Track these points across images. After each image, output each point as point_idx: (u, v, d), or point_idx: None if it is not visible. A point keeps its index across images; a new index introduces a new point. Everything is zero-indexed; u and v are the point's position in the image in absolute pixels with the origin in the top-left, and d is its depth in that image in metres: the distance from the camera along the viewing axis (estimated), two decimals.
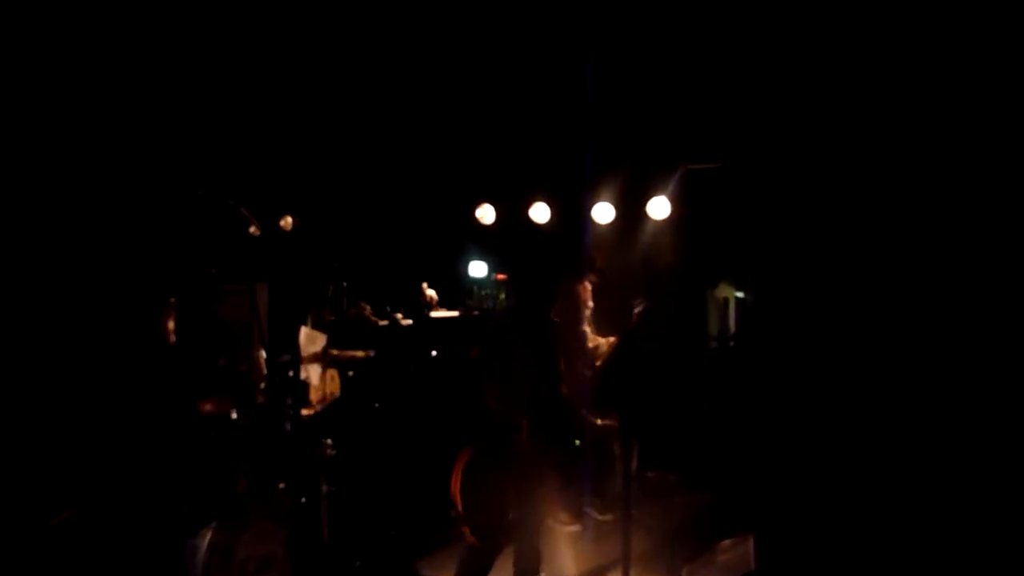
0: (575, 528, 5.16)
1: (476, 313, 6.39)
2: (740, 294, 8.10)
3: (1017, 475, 3.63)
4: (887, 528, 3.99)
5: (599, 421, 4.89)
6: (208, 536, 3.66)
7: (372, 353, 4.58)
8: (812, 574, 4.15)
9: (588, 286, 5.17)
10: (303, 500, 4.14)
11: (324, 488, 4.30)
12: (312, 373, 4.76)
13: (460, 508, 3.58)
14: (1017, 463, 3.64)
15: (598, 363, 4.99)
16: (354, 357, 4.55)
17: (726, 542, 4.94)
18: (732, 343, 7.58)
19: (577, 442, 5.20)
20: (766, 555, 4.47)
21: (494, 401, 3.80)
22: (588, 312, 5.09)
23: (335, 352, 4.43)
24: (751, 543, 4.62)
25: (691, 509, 5.83)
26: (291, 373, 4.30)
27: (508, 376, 3.86)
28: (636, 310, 4.93)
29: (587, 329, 5.08)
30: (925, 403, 3.96)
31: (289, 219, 6.39)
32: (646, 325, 4.89)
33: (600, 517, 5.25)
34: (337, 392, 4.80)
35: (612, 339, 5.01)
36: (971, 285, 3.84)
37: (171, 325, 3.98)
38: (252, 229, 4.75)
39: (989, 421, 3.77)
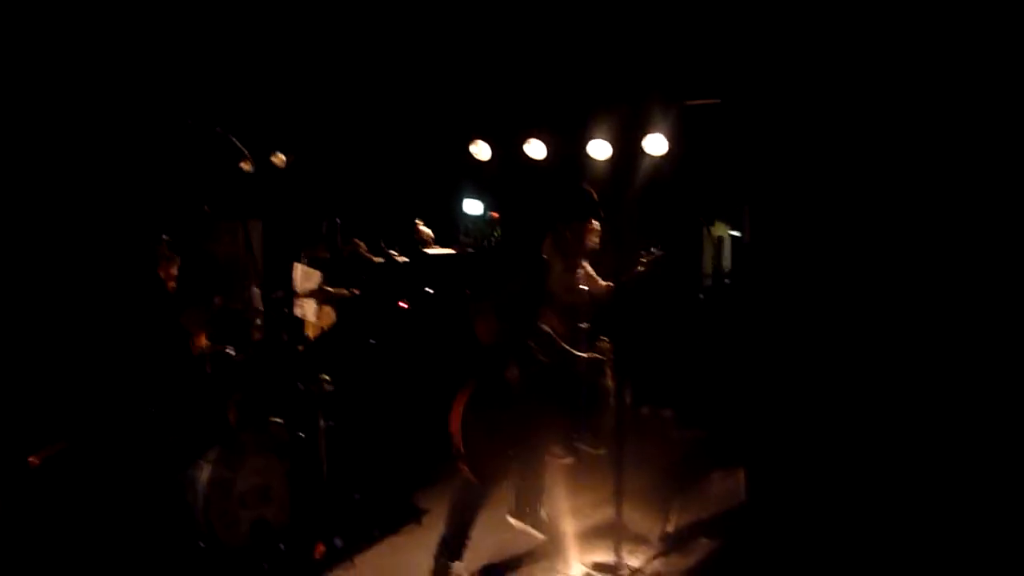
0: (569, 460, 5.25)
1: (471, 250, 6.37)
2: (735, 232, 8.09)
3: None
4: (875, 462, 4.05)
5: (588, 355, 4.90)
6: (207, 470, 3.71)
7: (358, 291, 4.56)
8: (800, 506, 4.23)
9: (595, 225, 5.09)
10: (301, 435, 4.19)
11: (322, 423, 4.34)
12: (308, 310, 4.76)
13: (461, 446, 3.62)
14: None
15: (594, 298, 4.98)
16: (350, 294, 4.54)
17: (717, 475, 5.06)
18: (727, 281, 7.61)
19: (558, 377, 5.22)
20: (756, 487, 4.56)
21: (487, 336, 3.80)
22: (584, 250, 5.04)
23: (330, 289, 4.42)
24: (741, 476, 4.72)
25: (684, 444, 5.94)
26: (286, 310, 4.30)
27: (498, 313, 3.86)
28: (649, 258, 4.88)
29: (584, 271, 5.04)
30: (917, 344, 3.97)
31: (282, 155, 6.30)
32: (657, 270, 4.86)
33: (593, 451, 5.34)
34: (328, 322, 4.79)
35: (607, 285, 4.99)
36: (965, 217, 3.81)
37: (173, 271, 3.96)
38: (244, 165, 4.69)
39: (979, 364, 3.79)
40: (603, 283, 4.98)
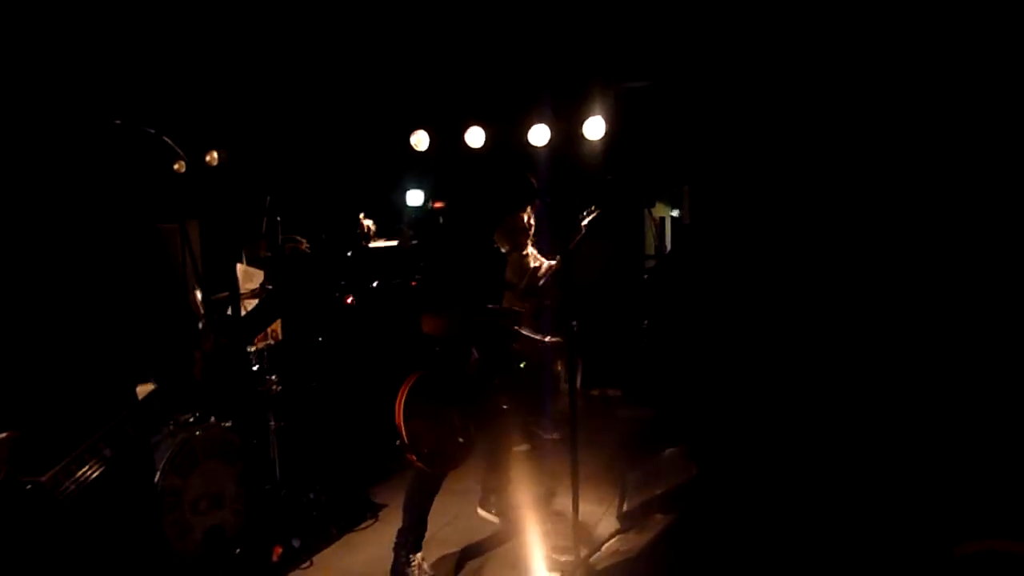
0: (524, 448, 5.29)
1: (415, 242, 6.32)
2: (675, 213, 8.23)
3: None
4: (818, 429, 4.18)
5: (547, 339, 4.95)
6: (156, 478, 3.62)
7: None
8: (747, 480, 4.35)
9: (529, 209, 5.16)
10: (253, 439, 4.13)
11: (272, 423, 4.28)
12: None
13: (404, 437, 3.62)
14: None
15: (543, 283, 5.02)
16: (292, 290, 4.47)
17: (667, 452, 5.15)
18: (668, 261, 7.73)
19: (522, 364, 5.27)
20: (704, 462, 4.67)
21: (436, 329, 3.79)
22: (529, 233, 5.09)
23: (272, 288, 4.34)
24: (690, 451, 4.82)
25: (633, 423, 6.03)
26: (229, 311, 4.21)
27: (449, 304, 3.85)
28: (584, 220, 4.96)
29: (528, 252, 5.09)
30: (854, 317, 4.11)
31: (215, 153, 6.14)
32: (596, 231, 4.91)
33: (548, 436, 5.38)
34: (278, 330, 4.73)
35: (553, 263, 5.04)
36: (909, 203, 3.95)
37: None
38: (177, 166, 4.55)
39: (915, 343, 3.94)
40: (548, 262, 5.03)
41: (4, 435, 2.36)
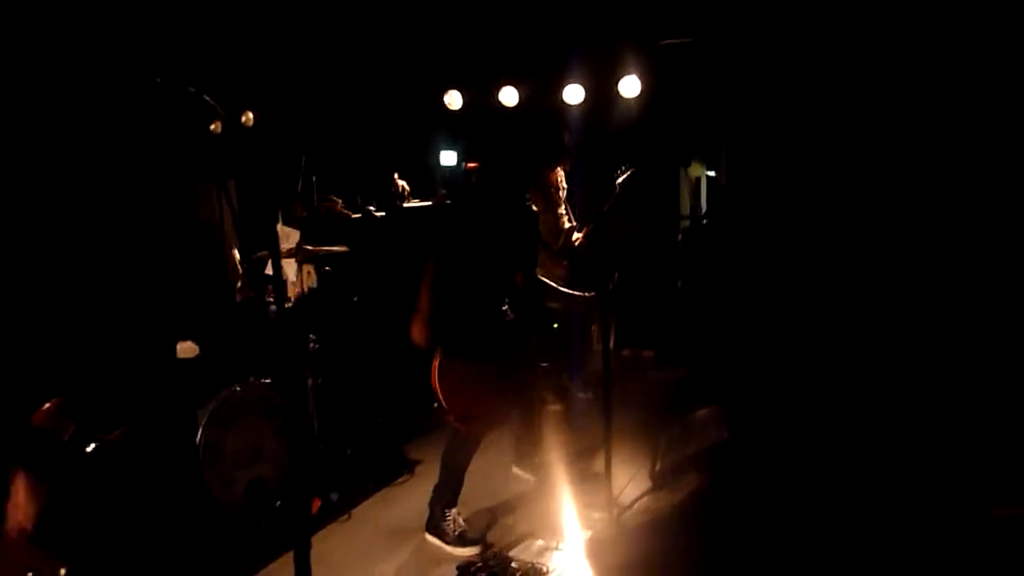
0: (557, 407, 5.34)
1: (449, 202, 6.34)
2: (712, 173, 8.11)
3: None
4: (850, 397, 4.16)
5: (586, 294, 4.99)
6: (199, 433, 3.72)
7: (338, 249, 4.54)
8: (778, 441, 4.35)
9: (560, 170, 5.15)
10: (290, 393, 4.20)
11: (310, 381, 4.36)
12: (288, 269, 4.74)
13: (442, 399, 3.67)
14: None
15: (579, 243, 5.03)
16: (329, 252, 4.52)
17: (700, 412, 5.16)
18: (704, 221, 7.65)
19: (556, 325, 5.29)
20: (736, 424, 4.68)
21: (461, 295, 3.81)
22: (563, 193, 5.08)
23: (309, 247, 4.40)
24: (723, 413, 4.83)
25: (666, 384, 6.04)
26: (268, 270, 4.28)
27: (482, 266, 3.86)
28: (620, 178, 4.95)
29: (562, 212, 5.09)
30: (890, 283, 4.05)
31: (250, 114, 6.16)
32: (631, 191, 4.90)
33: (581, 395, 5.43)
34: (315, 287, 4.79)
35: (586, 230, 5.04)
36: (943, 158, 3.86)
37: None
38: (213, 127, 4.58)
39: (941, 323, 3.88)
40: (581, 235, 5.03)
41: (55, 401, 2.45)
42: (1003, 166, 3.68)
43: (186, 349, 3.79)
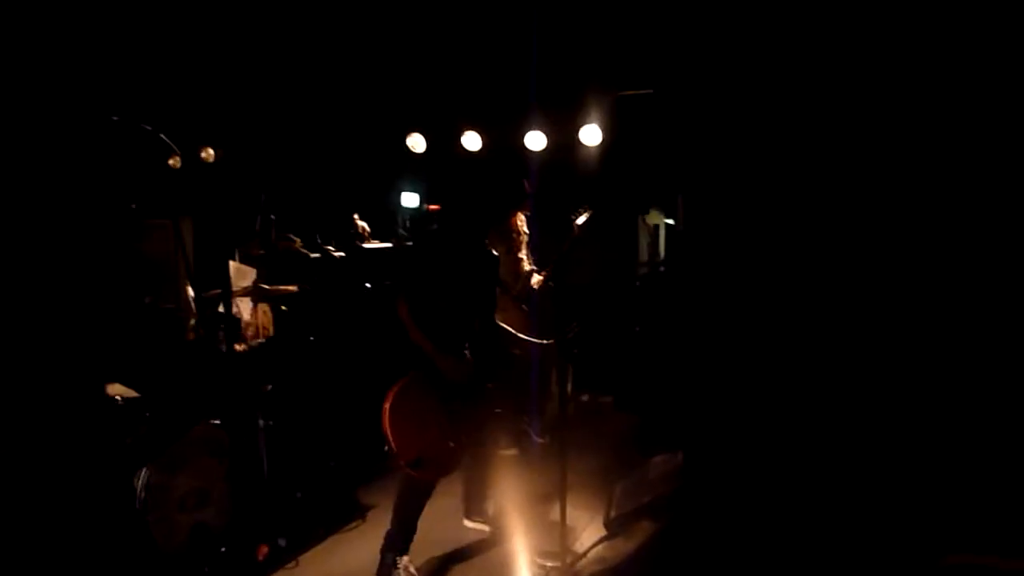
0: (513, 452, 5.30)
1: (409, 244, 6.33)
2: (670, 220, 8.25)
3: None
4: (809, 443, 4.19)
5: (544, 341, 4.98)
6: (143, 474, 3.61)
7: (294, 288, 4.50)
8: (735, 487, 4.35)
9: (522, 215, 5.20)
10: (240, 435, 4.11)
11: (261, 422, 4.27)
12: (243, 308, 4.68)
13: (393, 444, 3.61)
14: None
15: (537, 286, 5.06)
16: (285, 291, 4.47)
17: (656, 459, 5.16)
18: (662, 268, 7.76)
19: (513, 369, 5.28)
20: (693, 470, 4.67)
21: (423, 331, 3.78)
22: (524, 239, 5.13)
23: (266, 287, 4.35)
24: (679, 459, 4.83)
25: (624, 429, 6.04)
26: (221, 308, 4.20)
27: (439, 308, 3.85)
28: (579, 220, 5.00)
29: (523, 256, 5.13)
30: (849, 326, 4.11)
31: (211, 150, 6.13)
32: (589, 234, 4.95)
33: (538, 440, 5.40)
34: (269, 326, 4.73)
35: (545, 273, 5.07)
36: (901, 201, 3.95)
37: None
38: (172, 161, 4.55)
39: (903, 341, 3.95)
40: (536, 271, 5.07)
41: None
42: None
43: (114, 392, 3.68)
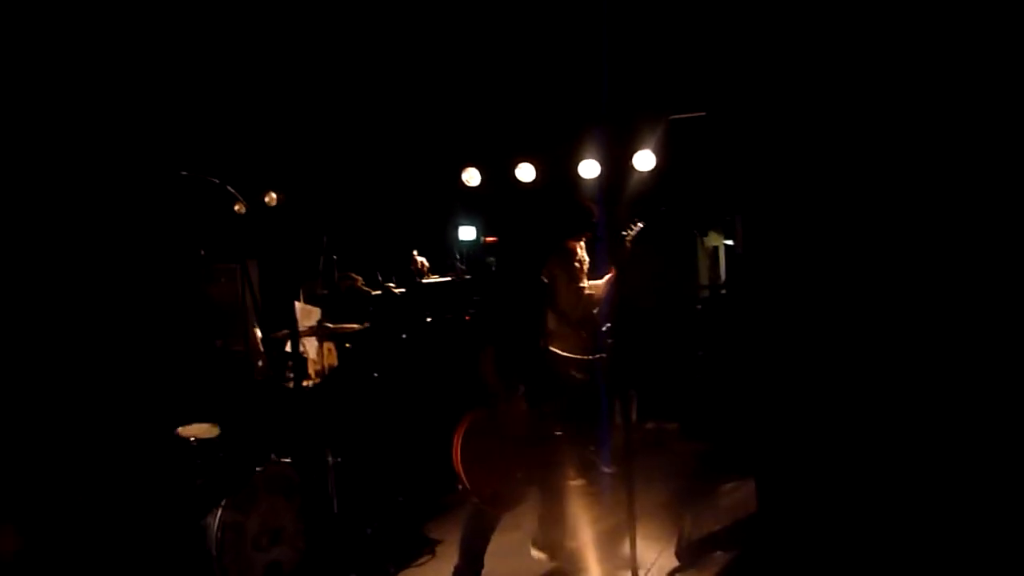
0: (580, 482, 5.27)
1: (468, 277, 6.41)
2: (729, 242, 8.15)
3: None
4: (879, 465, 4.06)
5: (595, 357, 5.00)
6: (219, 514, 3.71)
7: (358, 326, 4.61)
8: (811, 513, 4.24)
9: (582, 242, 5.23)
10: (310, 473, 4.19)
11: (330, 459, 4.35)
12: (309, 347, 4.79)
13: (465, 480, 3.64)
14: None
15: (596, 311, 5.08)
16: (350, 329, 4.57)
17: (727, 486, 5.06)
18: (723, 291, 7.65)
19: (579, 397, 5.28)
20: (766, 497, 4.57)
21: (490, 366, 3.82)
22: (585, 266, 5.16)
23: (330, 325, 4.45)
24: (751, 486, 4.73)
25: (691, 457, 5.94)
26: (288, 348, 4.32)
27: (501, 340, 3.89)
28: (629, 235, 5.01)
29: (584, 284, 5.15)
30: (916, 347, 4.00)
31: (273, 195, 6.34)
32: (645, 249, 4.95)
33: (606, 470, 5.36)
34: (335, 364, 4.83)
35: (608, 277, 5.10)
36: (961, 220, 3.85)
37: None
38: (237, 207, 4.73)
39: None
40: (602, 283, 5.09)
41: None
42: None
43: (204, 430, 3.82)
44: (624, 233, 4.98)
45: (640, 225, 5.01)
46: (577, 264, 5.18)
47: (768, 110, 4.77)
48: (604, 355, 4.96)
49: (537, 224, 5.28)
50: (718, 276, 8.11)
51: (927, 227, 3.99)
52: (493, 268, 5.64)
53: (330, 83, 5.67)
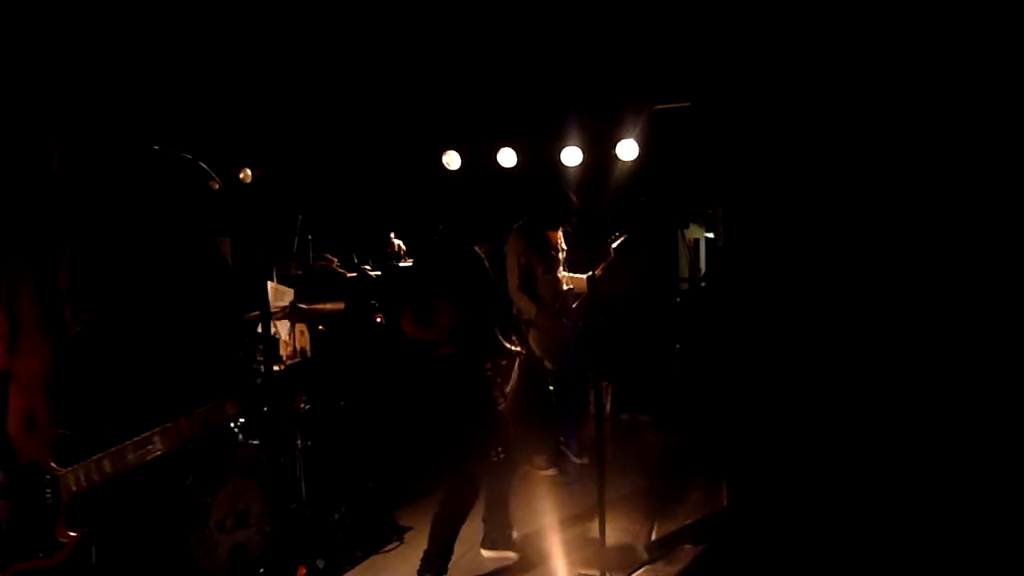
0: (551, 472, 5.30)
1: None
2: (710, 235, 8.20)
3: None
4: (856, 464, 4.13)
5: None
6: (184, 494, 3.68)
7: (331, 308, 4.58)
8: (781, 510, 4.30)
9: (560, 232, 5.24)
10: (279, 456, 4.18)
11: (299, 443, 4.33)
12: (280, 328, 4.76)
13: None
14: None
15: (575, 303, 5.09)
16: (323, 311, 4.55)
17: (697, 480, 5.12)
18: (702, 284, 7.71)
19: (551, 387, 5.30)
20: (737, 493, 4.63)
21: (408, 325, 3.82)
22: (563, 256, 5.17)
23: (303, 306, 4.42)
24: (723, 481, 4.79)
25: (664, 450, 5.99)
26: (260, 329, 4.29)
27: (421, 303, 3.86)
28: (614, 244, 5.05)
29: (562, 275, 5.16)
30: (896, 343, 4.06)
31: (248, 171, 6.28)
32: (622, 257, 5.01)
33: (576, 460, 5.39)
34: (306, 347, 4.81)
35: (586, 275, 5.11)
36: (944, 216, 3.90)
37: None
38: (212, 183, 4.67)
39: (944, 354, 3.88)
40: (583, 278, 5.11)
41: (56, 433, 2.48)
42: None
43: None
44: (608, 242, 5.03)
45: (624, 236, 5.06)
46: (553, 253, 5.19)
47: (754, 101, 4.80)
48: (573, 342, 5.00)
49: (514, 210, 5.27)
50: (698, 269, 8.16)
51: (910, 224, 4.04)
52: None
53: (310, 58, 5.61)
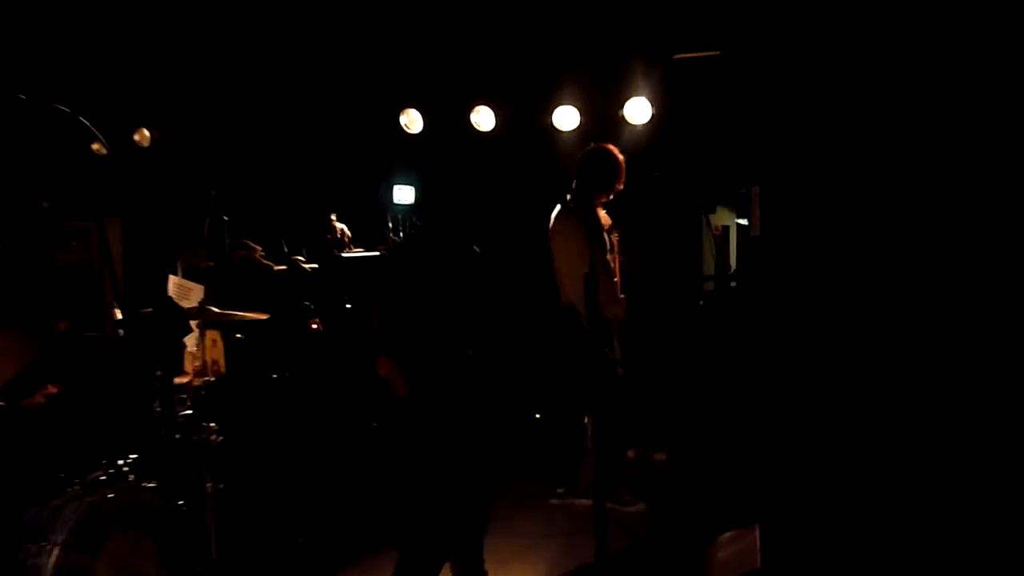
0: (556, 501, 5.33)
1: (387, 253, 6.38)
2: (743, 221, 8.21)
3: None
4: (911, 520, 4.12)
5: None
6: (54, 554, 3.60)
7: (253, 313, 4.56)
8: (829, 573, 4.29)
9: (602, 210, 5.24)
10: (181, 502, 4.11)
11: (209, 485, 4.27)
12: (187, 337, 4.69)
13: None
14: None
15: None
16: (242, 317, 4.50)
17: (725, 536, 5.09)
18: (733, 283, 7.71)
19: (537, 415, 5.27)
20: (774, 551, 4.61)
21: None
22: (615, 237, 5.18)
23: (216, 310, 4.37)
24: (755, 536, 4.77)
25: (681, 496, 5.98)
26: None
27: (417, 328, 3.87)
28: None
29: (610, 258, 5.17)
30: (967, 369, 4.04)
31: (146, 132, 6.21)
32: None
33: (572, 501, 5.41)
34: (220, 362, 4.75)
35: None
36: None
37: None
38: (96, 146, 4.59)
39: None
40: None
41: None
42: None
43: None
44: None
45: (616, 233, 5.08)
46: (606, 235, 5.21)
47: (801, 47, 4.75)
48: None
49: (494, 185, 5.24)
50: (727, 264, 8.17)
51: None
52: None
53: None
